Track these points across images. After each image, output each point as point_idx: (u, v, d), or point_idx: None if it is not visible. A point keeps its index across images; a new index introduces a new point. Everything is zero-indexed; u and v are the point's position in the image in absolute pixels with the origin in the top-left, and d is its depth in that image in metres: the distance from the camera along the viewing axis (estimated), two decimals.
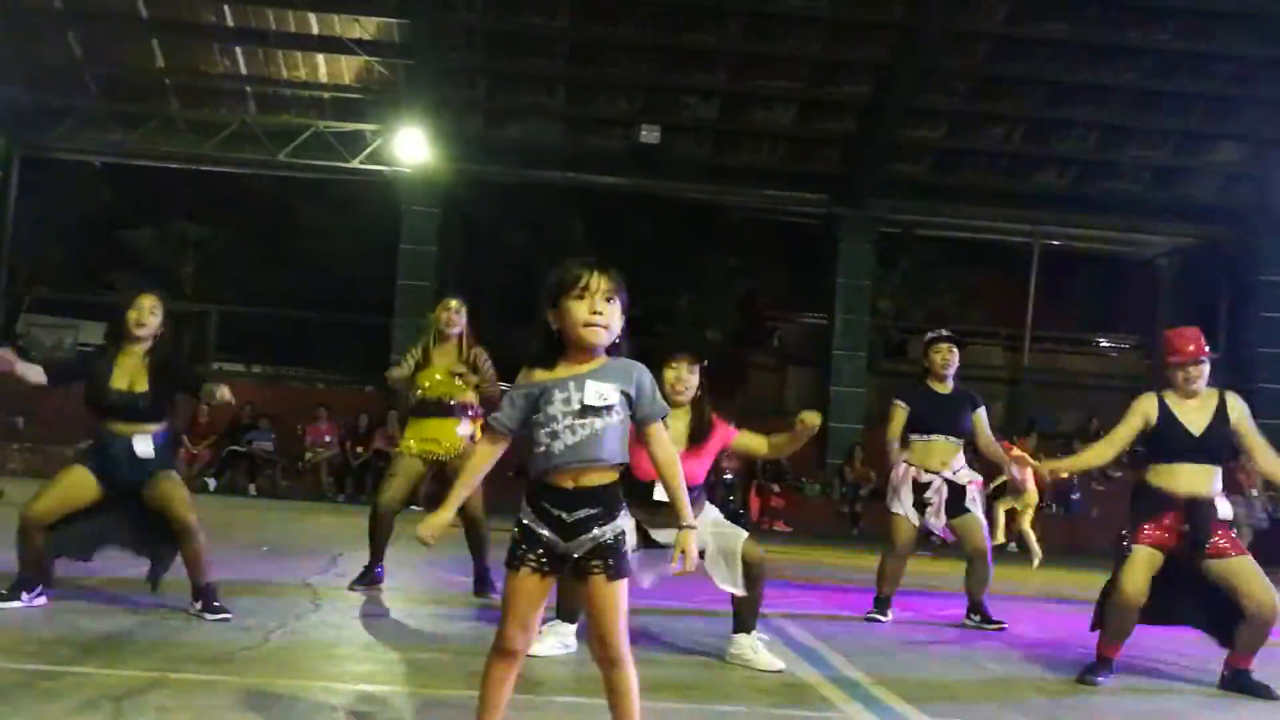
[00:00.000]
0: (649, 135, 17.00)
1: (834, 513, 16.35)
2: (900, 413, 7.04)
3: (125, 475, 5.29)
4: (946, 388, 7.05)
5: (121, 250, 19.63)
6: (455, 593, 6.74)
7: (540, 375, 3.16)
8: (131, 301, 5.39)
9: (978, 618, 6.93)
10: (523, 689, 3.43)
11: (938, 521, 6.89)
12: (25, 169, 17.87)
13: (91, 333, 16.52)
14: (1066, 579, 10.17)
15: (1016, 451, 6.73)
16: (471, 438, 6.47)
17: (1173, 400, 5.42)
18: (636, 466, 3.43)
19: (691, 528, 3.23)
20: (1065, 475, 6.16)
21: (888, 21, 15.75)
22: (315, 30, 16.45)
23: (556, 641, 5.03)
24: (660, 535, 4.95)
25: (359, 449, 16.03)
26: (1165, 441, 5.38)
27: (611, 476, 3.16)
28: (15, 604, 5.11)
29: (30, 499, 5.31)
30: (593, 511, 3.11)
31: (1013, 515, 9.26)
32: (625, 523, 3.20)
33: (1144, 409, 5.45)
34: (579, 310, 3.10)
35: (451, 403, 6.65)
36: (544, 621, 4.61)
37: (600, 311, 3.10)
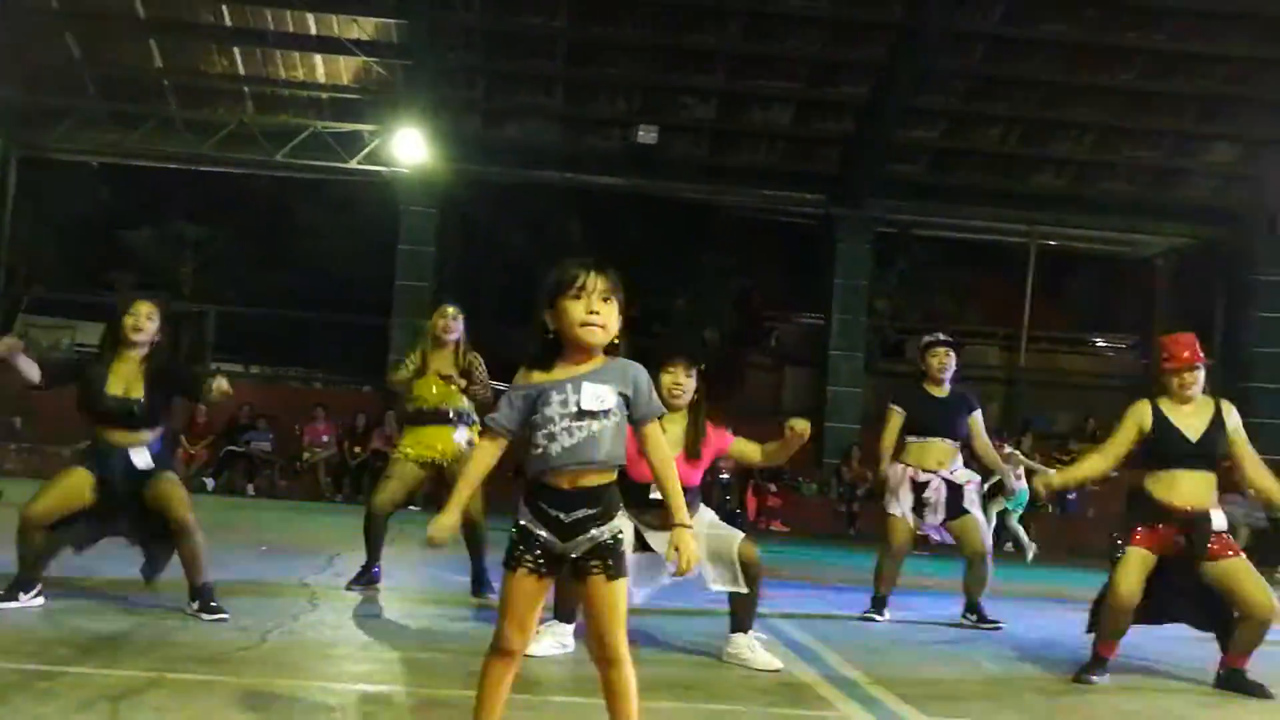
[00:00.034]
0: (647, 135, 16.99)
1: (831, 512, 16.36)
2: (896, 419, 7.04)
3: (123, 481, 5.31)
4: (943, 391, 7.06)
5: (119, 250, 19.64)
6: (453, 593, 6.73)
7: (538, 377, 3.16)
8: (128, 307, 5.39)
9: (974, 617, 6.94)
10: (520, 689, 3.43)
11: (935, 521, 6.90)
12: (23, 169, 17.84)
13: (89, 333, 16.46)
14: (1063, 578, 10.17)
15: (1008, 450, 6.75)
16: (469, 443, 6.50)
17: (1168, 406, 5.41)
18: (631, 469, 3.43)
19: (686, 526, 3.22)
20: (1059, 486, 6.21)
21: (886, 22, 15.75)
22: (313, 30, 16.43)
23: (554, 641, 5.03)
24: (655, 539, 4.92)
25: (357, 449, 16.04)
26: (1162, 448, 5.37)
27: (609, 477, 3.16)
28: (13, 604, 5.11)
29: (30, 499, 5.31)
30: (590, 512, 3.11)
31: (1005, 515, 9.29)
32: (623, 523, 3.21)
33: (1138, 417, 5.44)
34: (576, 310, 3.10)
35: (449, 411, 6.66)
36: (541, 622, 4.61)
37: (597, 311, 3.10)
